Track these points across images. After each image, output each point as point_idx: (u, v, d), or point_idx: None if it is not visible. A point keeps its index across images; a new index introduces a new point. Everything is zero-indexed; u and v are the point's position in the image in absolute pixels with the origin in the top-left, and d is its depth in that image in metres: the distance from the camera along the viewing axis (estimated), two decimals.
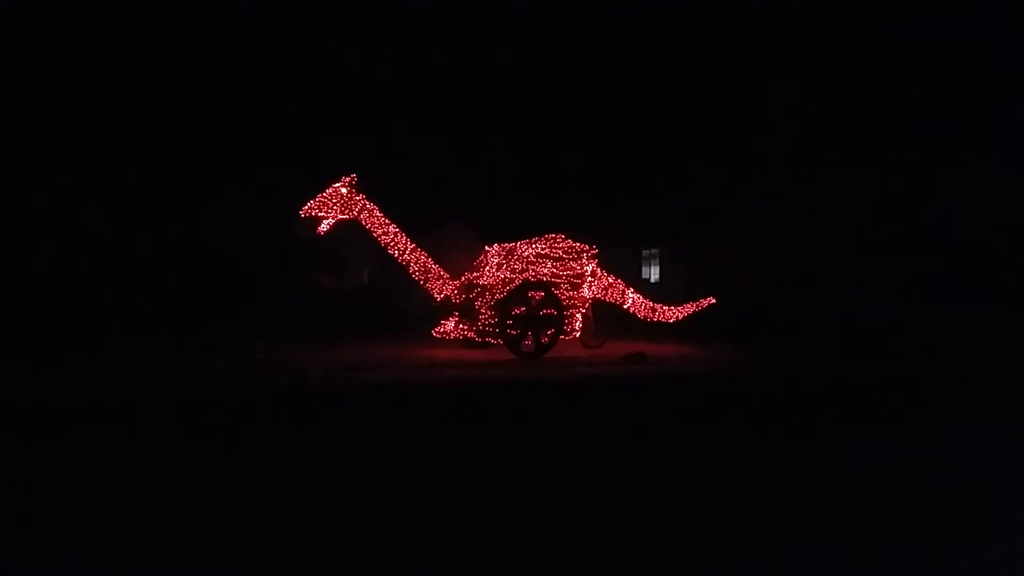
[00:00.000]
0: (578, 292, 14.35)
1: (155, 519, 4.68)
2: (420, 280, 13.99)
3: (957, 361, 13.11)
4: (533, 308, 13.64)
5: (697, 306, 15.55)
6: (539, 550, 4.20)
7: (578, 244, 14.51)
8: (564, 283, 14.19)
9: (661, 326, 15.68)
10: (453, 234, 18.03)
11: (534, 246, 14.20)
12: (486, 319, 13.79)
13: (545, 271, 14.09)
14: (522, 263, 13.98)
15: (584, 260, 14.48)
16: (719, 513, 4.86)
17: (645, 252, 24.28)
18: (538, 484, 5.49)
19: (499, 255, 14.25)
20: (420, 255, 13.99)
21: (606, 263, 15.17)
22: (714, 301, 15.60)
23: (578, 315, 14.44)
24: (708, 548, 4.25)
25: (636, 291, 15.46)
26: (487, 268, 14.16)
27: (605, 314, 15.52)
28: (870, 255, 20.46)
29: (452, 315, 14.65)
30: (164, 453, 6.38)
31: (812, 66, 22.16)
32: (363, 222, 13.72)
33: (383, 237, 13.83)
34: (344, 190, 13.47)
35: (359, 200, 13.58)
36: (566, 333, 14.11)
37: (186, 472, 5.76)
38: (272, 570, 3.93)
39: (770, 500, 5.15)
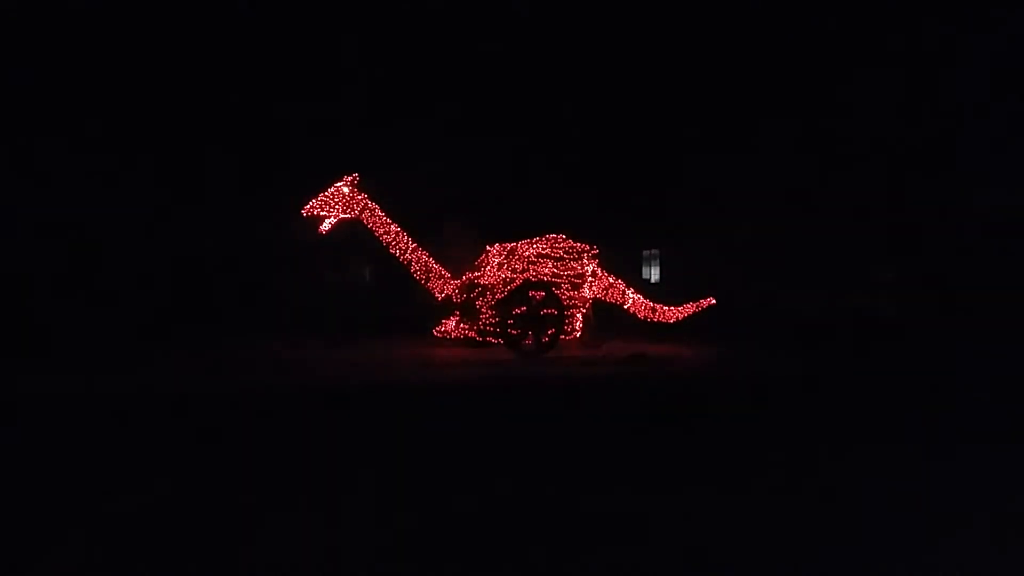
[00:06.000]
0: (579, 292, 14.40)
1: (155, 519, 4.73)
2: (421, 279, 14.07)
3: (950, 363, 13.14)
4: (534, 308, 13.69)
5: (697, 306, 15.59)
6: (533, 551, 4.26)
7: (578, 244, 14.57)
8: (565, 283, 14.25)
9: (662, 326, 15.71)
10: (454, 233, 18.09)
11: (535, 246, 14.26)
12: (487, 318, 13.85)
13: (546, 271, 14.15)
14: (523, 263, 14.05)
15: (585, 260, 14.54)
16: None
17: (646, 252, 24.35)
18: (535, 484, 5.54)
19: (500, 255, 14.29)
20: (421, 254, 14.06)
21: (606, 263, 15.22)
22: (714, 302, 15.64)
23: (579, 315, 14.51)
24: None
25: (636, 291, 15.51)
26: (488, 268, 14.22)
27: (605, 314, 15.57)
28: (876, 256, 20.52)
29: (453, 314, 14.71)
30: (165, 450, 6.43)
31: (813, 65, 22.18)
32: (365, 221, 13.79)
33: (384, 236, 13.90)
34: (346, 189, 13.54)
35: (361, 199, 13.65)
36: (566, 333, 14.17)
37: (184, 471, 5.81)
38: (275, 571, 3.99)
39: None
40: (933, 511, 4.95)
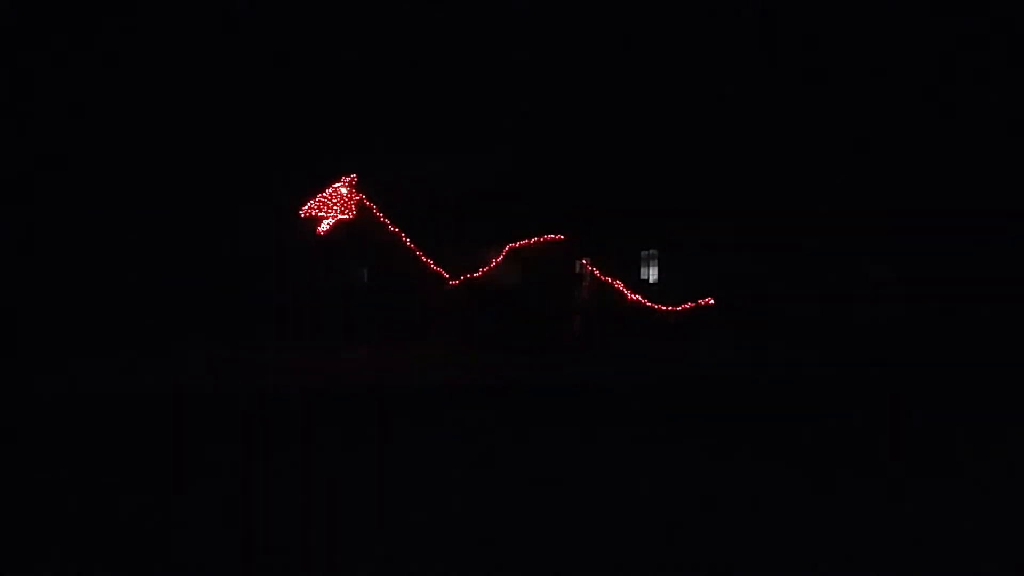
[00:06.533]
0: (576, 292, 14.42)
1: (155, 519, 4.72)
2: (419, 280, 14.09)
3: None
4: (532, 308, 13.71)
5: (695, 307, 15.61)
6: (530, 554, 4.26)
7: (576, 244, 14.59)
8: (563, 283, 14.27)
9: (659, 327, 15.71)
10: (452, 235, 18.14)
11: (533, 246, 14.29)
12: (485, 319, 13.87)
13: (544, 271, 14.17)
14: (521, 263, 14.07)
15: (583, 260, 14.56)
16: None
17: (644, 252, 24.33)
18: (535, 484, 5.54)
19: (498, 256, 14.32)
20: (420, 255, 14.08)
21: (604, 263, 15.22)
22: (712, 302, 15.66)
23: (576, 316, 14.54)
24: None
25: (634, 291, 15.52)
26: (486, 269, 14.23)
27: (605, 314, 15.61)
28: (873, 255, 20.52)
29: (451, 315, 14.71)
30: (165, 450, 6.42)
31: (811, 63, 22.20)
32: (363, 222, 13.80)
33: (383, 237, 13.92)
34: (344, 190, 13.55)
35: (359, 200, 13.66)
36: (564, 333, 14.19)
37: (185, 471, 5.81)
38: (276, 571, 3.99)
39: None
40: (933, 511, 4.95)
